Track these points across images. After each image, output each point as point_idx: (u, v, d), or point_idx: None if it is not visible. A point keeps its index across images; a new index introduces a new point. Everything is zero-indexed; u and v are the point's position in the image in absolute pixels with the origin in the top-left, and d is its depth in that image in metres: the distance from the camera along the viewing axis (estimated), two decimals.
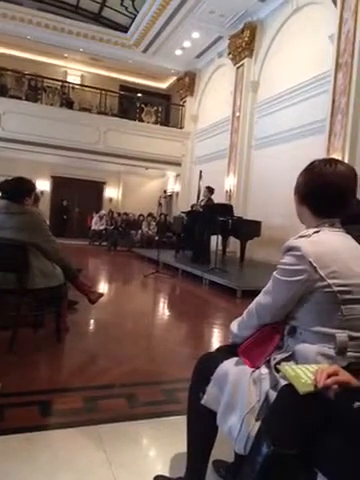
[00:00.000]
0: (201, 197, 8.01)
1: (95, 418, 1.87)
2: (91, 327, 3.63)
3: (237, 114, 9.87)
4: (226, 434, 1.16)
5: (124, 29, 12.19)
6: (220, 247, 7.68)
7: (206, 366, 1.28)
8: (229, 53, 10.20)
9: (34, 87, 12.02)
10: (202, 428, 1.30)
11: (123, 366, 2.57)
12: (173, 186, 13.91)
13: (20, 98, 11.56)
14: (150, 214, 12.58)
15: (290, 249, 1.14)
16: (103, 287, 5.92)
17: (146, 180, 14.91)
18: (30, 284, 2.67)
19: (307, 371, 0.97)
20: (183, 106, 13.40)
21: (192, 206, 8.85)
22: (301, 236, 1.17)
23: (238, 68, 9.94)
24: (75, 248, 9.64)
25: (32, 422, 1.80)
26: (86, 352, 2.86)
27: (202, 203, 7.83)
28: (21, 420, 1.82)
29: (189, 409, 1.34)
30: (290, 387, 0.96)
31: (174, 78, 13.80)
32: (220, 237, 7.56)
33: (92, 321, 3.76)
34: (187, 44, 11.20)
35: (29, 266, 2.66)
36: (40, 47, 12.25)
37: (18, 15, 11.17)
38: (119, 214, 13.20)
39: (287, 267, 1.14)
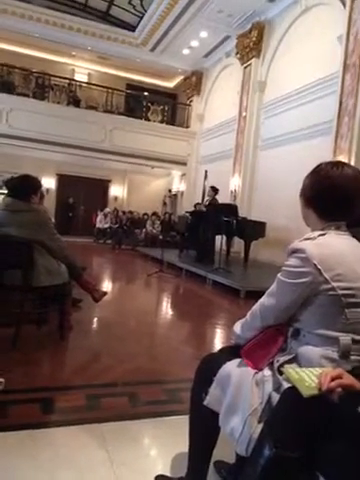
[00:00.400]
0: (206, 197, 8.01)
1: (97, 416, 1.87)
2: (94, 325, 3.64)
3: (243, 114, 9.84)
4: (228, 435, 1.16)
5: (132, 28, 12.20)
6: (224, 247, 7.67)
7: (209, 367, 1.28)
8: (237, 53, 10.18)
9: (41, 85, 12.06)
10: (204, 429, 1.30)
11: (126, 365, 2.57)
12: (178, 185, 13.91)
13: (27, 96, 11.59)
14: (155, 213, 12.59)
15: (295, 251, 1.14)
16: (107, 286, 5.93)
17: (151, 179, 14.92)
18: (35, 281, 2.68)
19: (311, 374, 0.96)
20: (189, 105, 13.40)
21: (195, 205, 8.85)
22: (306, 238, 1.16)
23: (245, 68, 9.92)
24: (80, 246, 9.66)
25: (34, 419, 1.81)
26: (89, 350, 2.87)
27: (206, 203, 7.83)
28: (23, 417, 1.83)
29: (191, 409, 1.34)
30: (293, 390, 0.95)
31: (181, 77, 13.80)
32: (224, 237, 7.55)
33: (95, 319, 3.77)
34: (195, 43, 11.19)
35: (34, 263, 2.67)
36: (48, 45, 12.29)
37: (26, 13, 11.21)
38: (124, 212, 13.23)
39: (292, 269, 1.14)
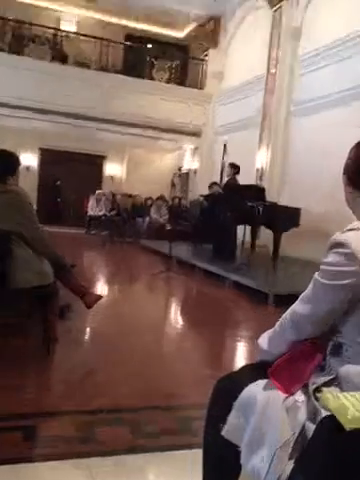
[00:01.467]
0: (224, 177, 7.99)
1: (90, 449, 1.90)
2: (87, 337, 3.68)
3: (273, 70, 9.77)
4: (250, 474, 1.17)
5: None
6: (248, 240, 7.66)
7: (227, 390, 1.29)
8: None
9: (19, 36, 12.09)
10: (221, 466, 1.32)
11: (124, 386, 2.60)
12: (190, 162, 13.89)
13: (2, 50, 11.64)
14: (161, 197, 12.60)
15: (336, 245, 1.14)
16: (102, 288, 5.99)
17: (157, 154, 14.92)
18: (12, 283, 2.71)
19: (355, 400, 0.96)
20: (204, 60, 13.33)
21: (211, 185, 8.81)
22: (350, 229, 1.16)
23: (275, 11, 9.82)
24: (69, 238, 9.75)
25: (15, 452, 1.84)
26: (80, 368, 2.90)
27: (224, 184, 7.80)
28: (2, 449, 1.85)
29: (205, 442, 1.35)
30: (333, 419, 0.95)
31: (194, 25, 13.67)
32: (248, 227, 7.53)
33: (88, 329, 3.81)
34: None
35: (11, 258, 2.69)
36: None
37: None
38: (122, 196, 13.25)
39: (332, 268, 1.14)
